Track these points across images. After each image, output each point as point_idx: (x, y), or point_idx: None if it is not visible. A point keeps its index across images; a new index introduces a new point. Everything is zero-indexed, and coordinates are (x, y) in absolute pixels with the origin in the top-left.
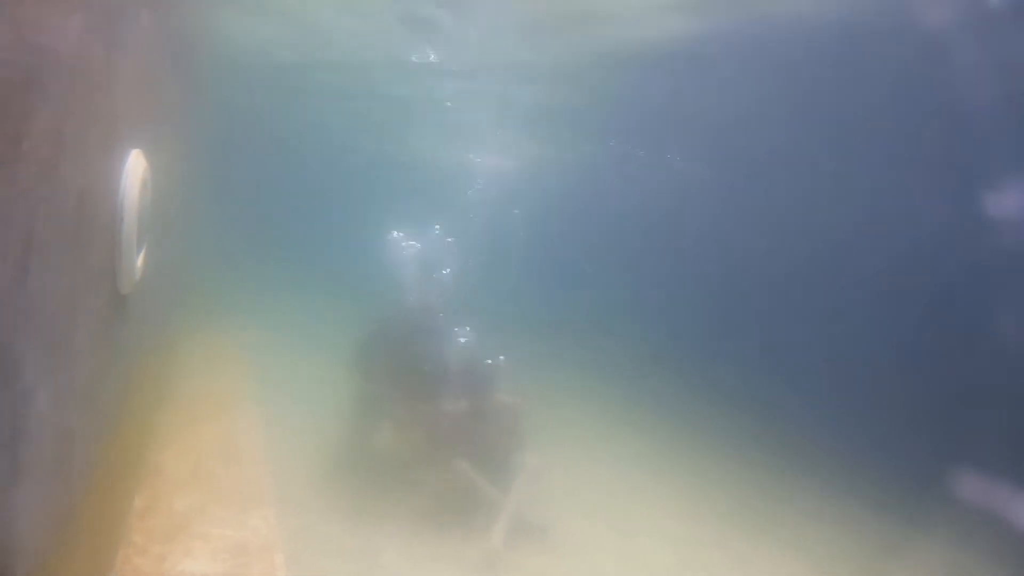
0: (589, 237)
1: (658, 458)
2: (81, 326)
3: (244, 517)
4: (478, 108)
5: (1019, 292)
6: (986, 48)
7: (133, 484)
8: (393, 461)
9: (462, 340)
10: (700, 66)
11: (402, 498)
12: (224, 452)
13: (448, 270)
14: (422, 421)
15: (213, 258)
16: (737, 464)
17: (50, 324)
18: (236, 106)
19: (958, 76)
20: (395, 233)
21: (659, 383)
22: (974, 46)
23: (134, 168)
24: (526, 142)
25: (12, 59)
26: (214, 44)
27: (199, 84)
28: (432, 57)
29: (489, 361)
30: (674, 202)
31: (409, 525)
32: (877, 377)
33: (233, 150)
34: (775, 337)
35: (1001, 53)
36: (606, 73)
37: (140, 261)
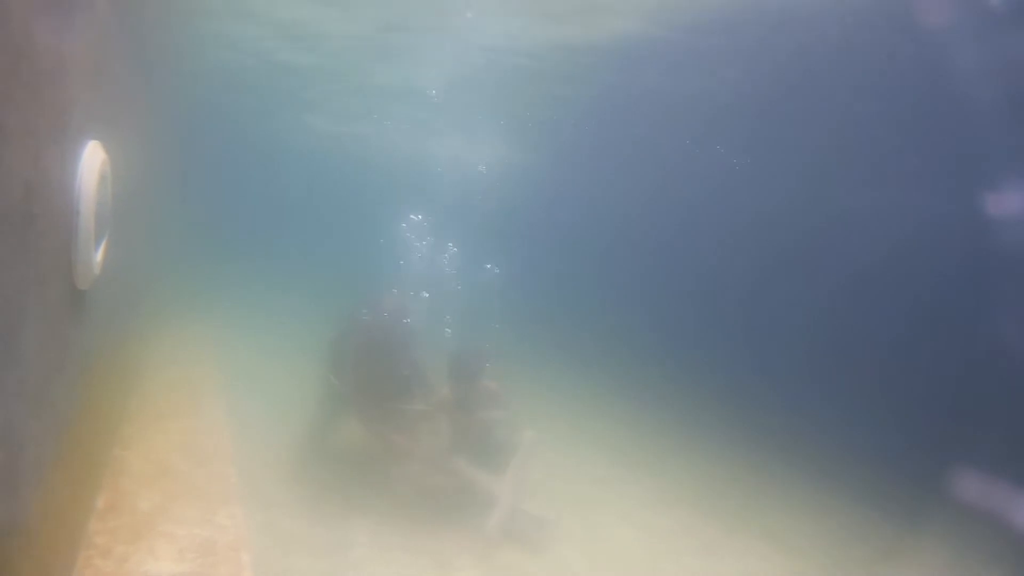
0: (570, 233)
1: (635, 449)
2: (30, 322)
3: (210, 515)
4: (462, 100)
5: (1020, 291)
6: (987, 48)
7: (94, 484)
8: (363, 456)
9: (447, 331)
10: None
11: (373, 493)
12: (190, 449)
13: (422, 263)
14: (396, 416)
15: (181, 253)
16: (716, 456)
17: None
18: (210, 102)
19: (960, 75)
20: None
21: (639, 374)
22: (975, 46)
23: (91, 159)
24: (504, 140)
25: None
26: (186, 40)
27: (167, 79)
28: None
29: (471, 350)
30: (664, 194)
31: (380, 519)
32: (870, 372)
33: (205, 146)
34: (761, 330)
35: (1002, 53)
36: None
37: (100, 256)
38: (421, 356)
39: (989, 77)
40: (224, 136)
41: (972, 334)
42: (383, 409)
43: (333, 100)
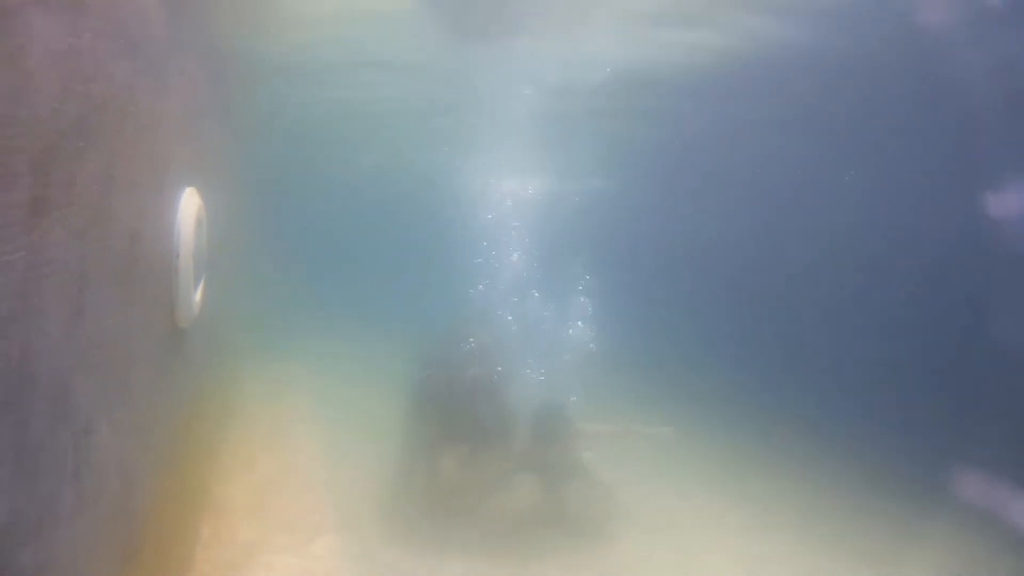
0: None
1: (720, 473)
2: (138, 361)
3: (307, 545)
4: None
5: (1021, 291)
6: (988, 47)
7: (197, 515)
8: (456, 489)
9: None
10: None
11: (463, 524)
12: (287, 481)
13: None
14: (479, 467)
15: (275, 289)
16: (802, 477)
17: (107, 361)
18: (294, 145)
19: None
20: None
21: (722, 397)
22: (976, 45)
23: (188, 205)
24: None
25: (60, 108)
26: (262, 91)
27: (249, 127)
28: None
29: (557, 410)
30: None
31: (471, 550)
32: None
33: (292, 185)
34: (821, 347)
35: (1002, 53)
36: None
37: (198, 295)
38: (506, 404)
39: None
40: (308, 171)
41: (973, 333)
42: (465, 459)
43: (409, 137)
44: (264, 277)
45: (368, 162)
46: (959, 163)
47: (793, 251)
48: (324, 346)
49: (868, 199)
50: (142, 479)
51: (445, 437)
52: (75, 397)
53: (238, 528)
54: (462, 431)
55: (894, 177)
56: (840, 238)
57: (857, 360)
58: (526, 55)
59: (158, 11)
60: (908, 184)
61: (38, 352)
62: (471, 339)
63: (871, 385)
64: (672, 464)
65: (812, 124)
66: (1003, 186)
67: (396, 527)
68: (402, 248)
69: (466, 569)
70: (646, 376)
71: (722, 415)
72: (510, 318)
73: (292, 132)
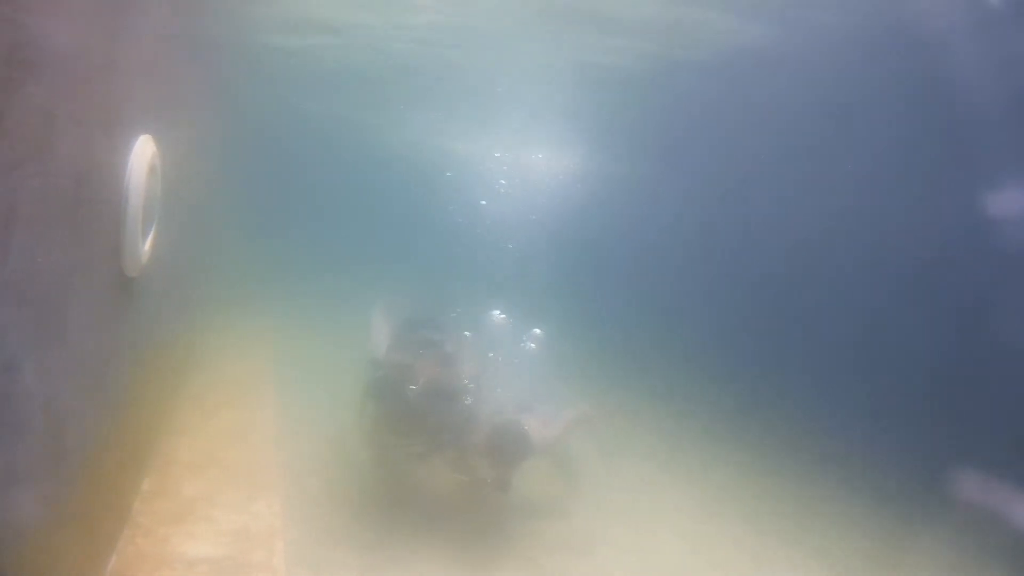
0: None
1: (680, 456)
2: (77, 304)
3: (250, 503)
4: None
5: (1021, 291)
6: (988, 47)
7: (141, 468)
8: (400, 466)
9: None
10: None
11: (416, 496)
12: (238, 440)
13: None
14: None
15: (237, 244)
16: (762, 465)
17: (37, 299)
18: (267, 98)
19: (963, 75)
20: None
21: (683, 382)
22: (977, 45)
23: (141, 152)
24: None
25: None
26: (244, 39)
27: (222, 75)
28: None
29: (513, 431)
30: (694, 203)
31: (421, 521)
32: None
33: (262, 140)
34: (798, 335)
35: (1002, 52)
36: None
37: (148, 245)
38: (461, 415)
39: None
40: (281, 128)
41: (975, 333)
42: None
43: (402, 100)
44: (231, 231)
45: (352, 119)
46: (958, 163)
47: (789, 246)
48: (294, 303)
49: (868, 199)
50: (76, 424)
51: (395, 439)
52: None
53: (183, 482)
54: (413, 438)
55: (894, 176)
56: (833, 233)
57: (835, 345)
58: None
59: None
60: (907, 184)
61: None
62: (431, 340)
63: (851, 374)
64: (635, 447)
65: (803, 118)
66: (1003, 185)
67: (348, 491)
68: (379, 213)
69: (414, 537)
70: (614, 362)
71: (694, 401)
72: (471, 321)
73: (272, 82)
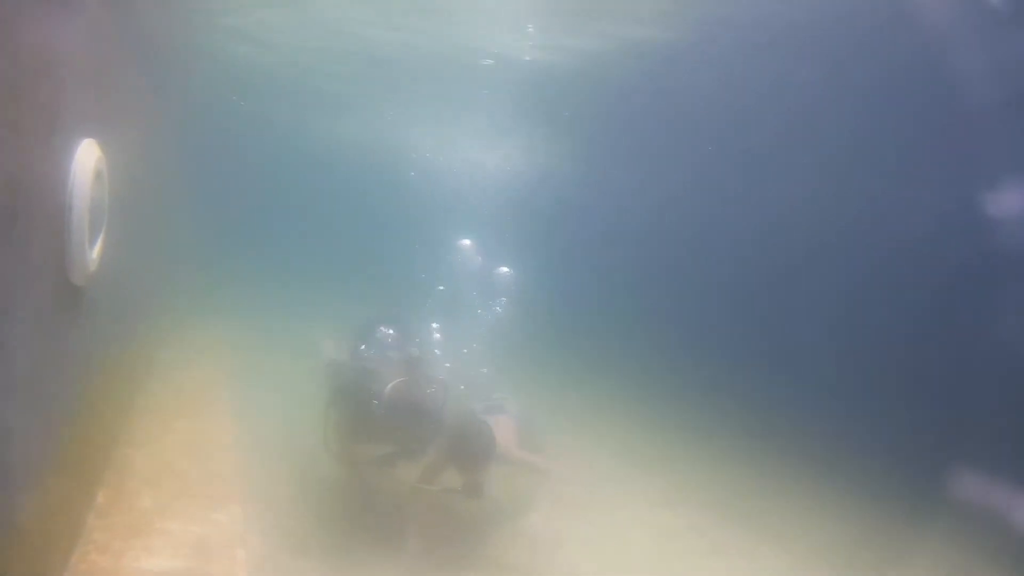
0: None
1: (645, 448)
2: (20, 316)
3: (209, 513)
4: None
5: (1021, 291)
6: (988, 47)
7: (94, 481)
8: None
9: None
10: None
11: (382, 499)
12: (195, 449)
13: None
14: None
15: (193, 253)
16: (724, 456)
17: None
18: (222, 105)
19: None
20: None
21: (645, 374)
22: (978, 45)
23: (85, 157)
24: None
25: None
26: (195, 42)
27: (171, 78)
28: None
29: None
30: (673, 199)
31: (385, 526)
32: (877, 373)
33: (218, 148)
34: (768, 329)
35: (1002, 52)
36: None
37: (96, 252)
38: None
39: None
40: (235, 136)
41: (974, 333)
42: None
43: (351, 98)
44: (186, 237)
45: (303, 120)
46: (959, 162)
47: (787, 247)
48: (251, 312)
49: (868, 200)
50: (21, 440)
51: (360, 448)
52: None
53: (139, 495)
54: (379, 447)
55: (894, 178)
56: (833, 236)
57: (832, 347)
58: None
59: None
60: (908, 183)
61: None
62: (395, 340)
63: (844, 376)
64: (600, 442)
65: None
66: (1004, 186)
67: (308, 499)
68: (336, 216)
69: (378, 543)
70: (581, 357)
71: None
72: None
73: (225, 86)
